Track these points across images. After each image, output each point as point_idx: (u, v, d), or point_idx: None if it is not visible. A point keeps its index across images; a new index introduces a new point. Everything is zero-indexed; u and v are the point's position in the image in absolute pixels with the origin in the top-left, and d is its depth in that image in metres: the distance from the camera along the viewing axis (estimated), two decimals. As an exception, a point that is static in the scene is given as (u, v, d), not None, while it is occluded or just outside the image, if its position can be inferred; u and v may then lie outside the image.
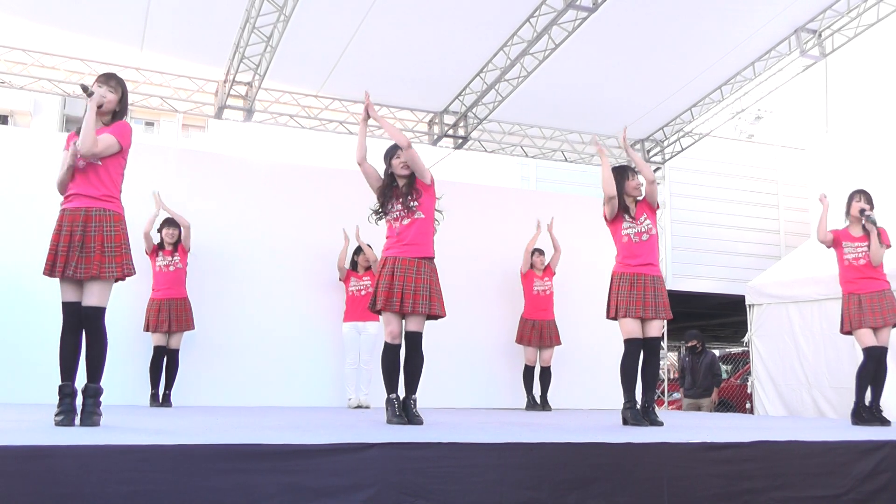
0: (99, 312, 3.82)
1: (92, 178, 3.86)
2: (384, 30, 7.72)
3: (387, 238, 4.72)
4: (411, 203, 4.62)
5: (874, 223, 5.77)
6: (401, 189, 4.68)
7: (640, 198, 5.25)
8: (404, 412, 4.51)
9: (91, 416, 3.71)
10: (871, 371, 5.63)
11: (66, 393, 3.73)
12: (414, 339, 4.55)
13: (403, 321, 4.62)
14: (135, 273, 3.95)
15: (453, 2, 7.47)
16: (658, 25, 8.00)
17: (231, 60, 7.94)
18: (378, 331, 7.42)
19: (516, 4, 7.53)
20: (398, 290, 4.53)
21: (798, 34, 8.38)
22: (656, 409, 5.22)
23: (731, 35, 8.29)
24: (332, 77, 8.51)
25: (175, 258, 7.32)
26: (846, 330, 5.82)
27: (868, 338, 5.63)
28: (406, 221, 4.63)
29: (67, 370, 3.78)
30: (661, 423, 4.97)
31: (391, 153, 4.72)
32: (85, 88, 3.90)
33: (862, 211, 5.85)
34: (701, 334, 10.53)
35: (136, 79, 8.17)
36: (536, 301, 8.46)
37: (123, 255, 3.86)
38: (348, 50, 7.97)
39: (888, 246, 5.81)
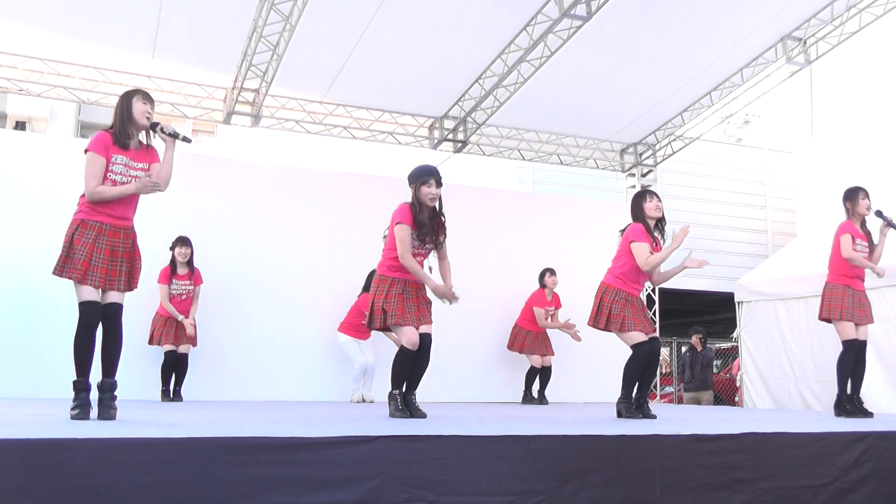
0: (120, 310, 3.97)
1: (132, 202, 4.05)
2: (386, 38, 7.84)
3: (389, 260, 4.75)
4: (441, 239, 4.78)
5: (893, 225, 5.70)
6: (431, 226, 4.72)
7: (660, 219, 5.53)
8: (406, 406, 4.64)
9: (108, 409, 3.80)
10: (850, 362, 5.73)
11: (82, 388, 3.83)
12: (426, 342, 4.69)
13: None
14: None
15: (453, 12, 7.58)
16: (650, 33, 8.13)
17: (239, 68, 8.07)
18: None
19: (513, 14, 7.64)
20: (416, 308, 4.71)
21: (784, 42, 8.56)
22: (649, 402, 5.36)
23: (721, 43, 8.44)
24: (337, 84, 8.63)
25: (188, 285, 7.30)
26: (826, 317, 5.82)
27: (850, 330, 5.74)
28: (419, 259, 4.77)
29: (84, 366, 3.86)
30: (654, 416, 5.10)
31: (424, 179, 4.69)
32: (177, 135, 3.94)
33: (879, 213, 5.80)
34: (704, 331, 10.70)
35: (147, 86, 8.31)
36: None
37: (139, 270, 4.10)
38: (352, 58, 8.09)
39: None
